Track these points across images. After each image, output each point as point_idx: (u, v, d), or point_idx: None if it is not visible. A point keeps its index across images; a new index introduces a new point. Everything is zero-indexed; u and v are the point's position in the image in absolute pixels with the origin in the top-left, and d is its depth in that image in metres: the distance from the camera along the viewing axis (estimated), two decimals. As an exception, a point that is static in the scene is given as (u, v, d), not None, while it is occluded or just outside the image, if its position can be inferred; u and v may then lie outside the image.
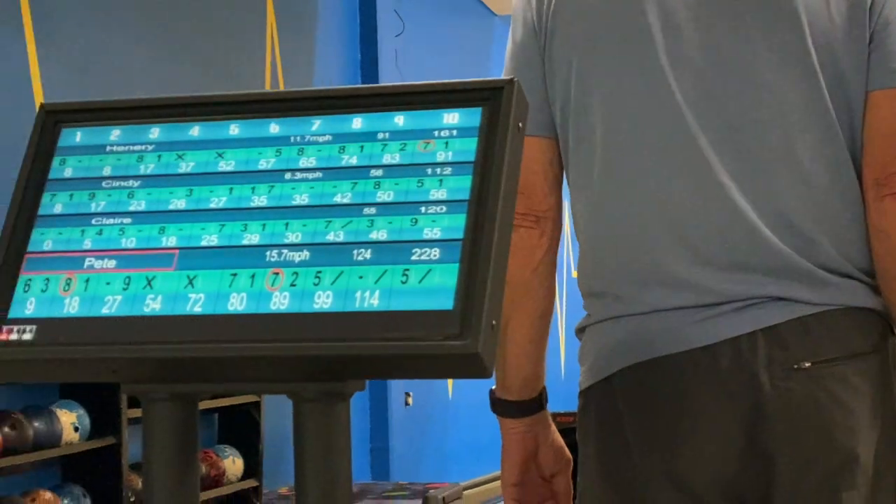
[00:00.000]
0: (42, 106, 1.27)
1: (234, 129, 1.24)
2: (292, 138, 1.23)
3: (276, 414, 6.67)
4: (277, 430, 6.72)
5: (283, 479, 6.74)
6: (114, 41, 6.21)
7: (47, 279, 1.19)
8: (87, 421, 5.52)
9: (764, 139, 1.76)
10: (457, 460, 9.14)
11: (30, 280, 1.19)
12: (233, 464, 6.45)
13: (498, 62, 8.98)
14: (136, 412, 5.62)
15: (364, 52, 8.78)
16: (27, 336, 1.16)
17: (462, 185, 1.16)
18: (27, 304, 1.18)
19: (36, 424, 5.31)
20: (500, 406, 1.91)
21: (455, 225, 1.14)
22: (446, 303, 1.11)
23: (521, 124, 1.19)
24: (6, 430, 5.14)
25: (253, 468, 6.59)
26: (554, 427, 1.94)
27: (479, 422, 8.10)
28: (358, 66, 8.77)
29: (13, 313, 1.17)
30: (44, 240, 1.21)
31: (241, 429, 6.55)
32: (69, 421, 5.44)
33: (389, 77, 8.65)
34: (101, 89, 5.84)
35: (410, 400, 8.94)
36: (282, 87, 7.51)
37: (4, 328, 1.17)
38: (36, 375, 1.23)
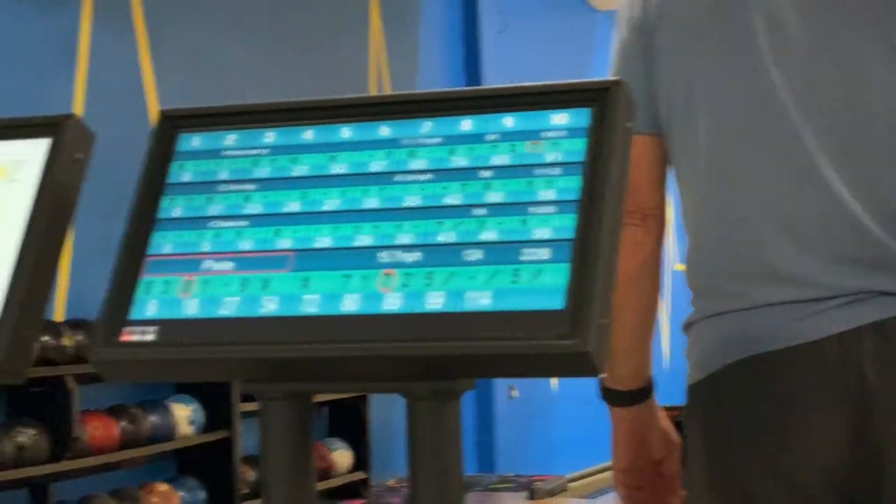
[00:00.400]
0: (161, 112, 1.29)
1: (346, 132, 1.25)
2: (403, 140, 1.23)
3: (383, 407, 6.71)
4: (384, 423, 6.76)
5: (391, 471, 6.78)
6: (223, 45, 6.29)
7: (167, 281, 1.20)
8: (201, 415, 5.59)
9: (868, 133, 1.73)
10: (562, 452, 9.12)
11: (150, 282, 1.21)
12: (341, 457, 6.50)
13: (599, 58, 8.94)
14: (248, 406, 5.69)
15: (467, 50, 8.79)
16: (149, 337, 1.17)
17: (571, 186, 1.15)
18: (148, 305, 1.19)
19: (152, 419, 5.39)
20: (610, 395, 1.93)
21: (565, 225, 1.13)
22: (557, 302, 1.10)
23: (629, 124, 1.18)
24: (123, 424, 5.23)
25: (361, 461, 6.63)
26: (662, 413, 1.96)
27: (584, 414, 8.07)
28: (461, 65, 8.78)
29: (134, 315, 1.19)
30: (163, 243, 1.23)
31: (350, 422, 6.60)
32: (184, 415, 5.52)
33: (491, 74, 8.65)
34: (212, 91, 5.91)
35: (515, 393, 8.94)
36: (387, 87, 7.55)
37: (126, 329, 1.19)
38: (156, 375, 1.25)
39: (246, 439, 5.76)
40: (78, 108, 5.31)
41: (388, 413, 6.83)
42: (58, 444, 4.88)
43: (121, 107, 5.50)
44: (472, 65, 8.78)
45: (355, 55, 7.44)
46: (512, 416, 8.84)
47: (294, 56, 6.82)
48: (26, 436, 4.76)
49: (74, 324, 5.04)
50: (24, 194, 1.24)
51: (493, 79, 8.57)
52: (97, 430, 5.07)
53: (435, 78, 8.38)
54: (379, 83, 7.61)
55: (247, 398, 5.60)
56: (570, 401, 9.33)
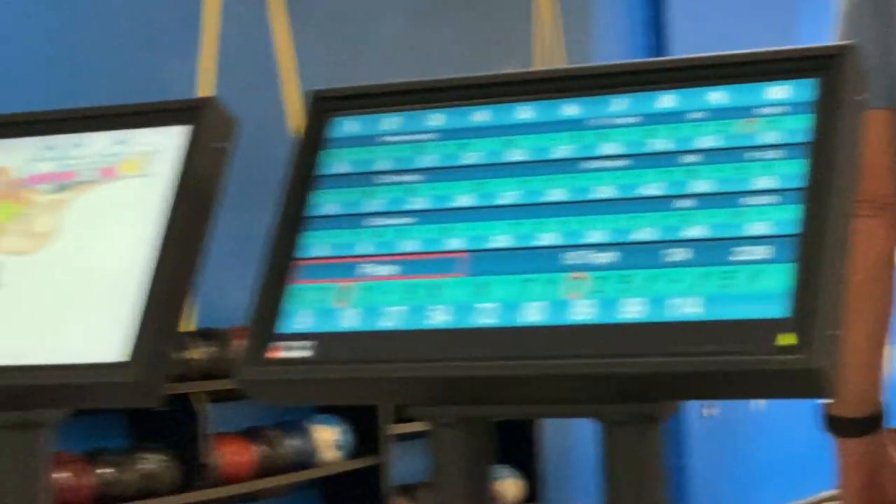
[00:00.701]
0: (310, 93, 1.30)
1: (524, 112, 1.25)
2: (591, 121, 1.22)
3: (557, 428, 6.70)
4: (559, 446, 6.75)
5: (567, 502, 6.77)
6: (369, 12, 6.34)
7: (320, 289, 1.21)
8: (347, 438, 5.63)
9: None
10: (766, 480, 9.00)
11: (301, 290, 1.22)
12: (510, 486, 6.50)
13: (807, 16, 8.78)
14: (401, 428, 5.72)
15: (649, 8, 8.72)
16: (301, 353, 1.18)
17: (794, 171, 1.14)
18: (298, 317, 1.21)
19: (292, 442, 5.45)
20: (835, 424, 1.89)
21: (787, 218, 1.12)
22: (778, 310, 1.09)
23: (861, 97, 1.16)
24: (260, 448, 5.30)
25: (532, 491, 6.63)
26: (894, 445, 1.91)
27: (793, 434, 7.94)
28: (643, 25, 8.71)
29: (283, 328, 1.20)
30: (315, 244, 1.24)
31: (519, 446, 6.60)
32: (327, 438, 5.57)
33: (680, 37, 8.57)
34: (356, 66, 5.96)
35: (711, 410, 8.84)
36: (556, 56, 7.53)
37: (274, 345, 1.20)
38: (309, 397, 1.26)
39: (398, 466, 5.81)
40: (203, 87, 5.40)
41: (562, 435, 6.82)
42: (187, 471, 4.97)
43: (251, 86, 5.58)
44: (655, 26, 8.71)
45: (518, 18, 7.44)
46: (707, 437, 8.75)
47: (444, 18, 6.85)
48: (153, 462, 4.86)
49: (204, 334, 5.13)
50: (160, 191, 1.27)
51: (682, 43, 8.49)
52: (231, 455, 5.15)
53: (612, 42, 8.33)
54: (545, 51, 7.60)
55: (400, 419, 5.64)
56: (776, 418, 9.20)
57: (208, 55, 5.44)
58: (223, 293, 4.69)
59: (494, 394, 1.17)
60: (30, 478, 1.30)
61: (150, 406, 1.21)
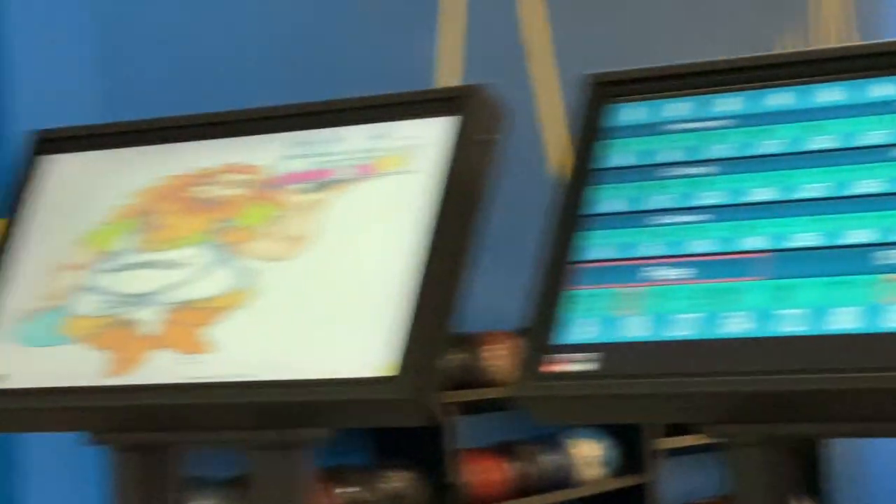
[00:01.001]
0: (589, 76, 1.30)
1: (830, 94, 1.23)
2: None
3: (847, 447, 6.58)
4: (851, 466, 6.63)
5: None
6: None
7: (602, 295, 1.22)
8: (613, 454, 5.62)
9: None
10: None
11: (580, 297, 1.22)
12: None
13: None
14: (672, 442, 5.68)
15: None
16: (584, 366, 1.19)
17: None
18: (578, 326, 1.21)
19: (548, 459, 5.44)
20: None
21: None
22: None
23: None
24: (513, 465, 5.30)
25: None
26: None
27: None
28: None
29: (562, 338, 1.21)
30: (594, 245, 1.24)
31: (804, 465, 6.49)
32: (588, 454, 5.56)
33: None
34: (616, 40, 5.94)
35: None
36: (843, 23, 7.40)
37: (550, 358, 1.20)
38: (592, 415, 1.26)
39: (668, 485, 5.77)
40: (445, 72, 5.44)
41: (854, 452, 6.69)
42: (435, 490, 5.01)
43: (496, 68, 5.59)
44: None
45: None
46: None
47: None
48: (397, 480, 4.90)
49: (454, 339, 5.16)
50: (425, 188, 1.28)
51: None
52: (482, 472, 5.17)
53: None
54: (828, 19, 7.46)
55: (669, 432, 5.60)
56: None
57: (450, 37, 5.48)
58: (472, 294, 4.71)
59: (802, 410, 1.16)
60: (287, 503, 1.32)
61: (419, 424, 1.21)
